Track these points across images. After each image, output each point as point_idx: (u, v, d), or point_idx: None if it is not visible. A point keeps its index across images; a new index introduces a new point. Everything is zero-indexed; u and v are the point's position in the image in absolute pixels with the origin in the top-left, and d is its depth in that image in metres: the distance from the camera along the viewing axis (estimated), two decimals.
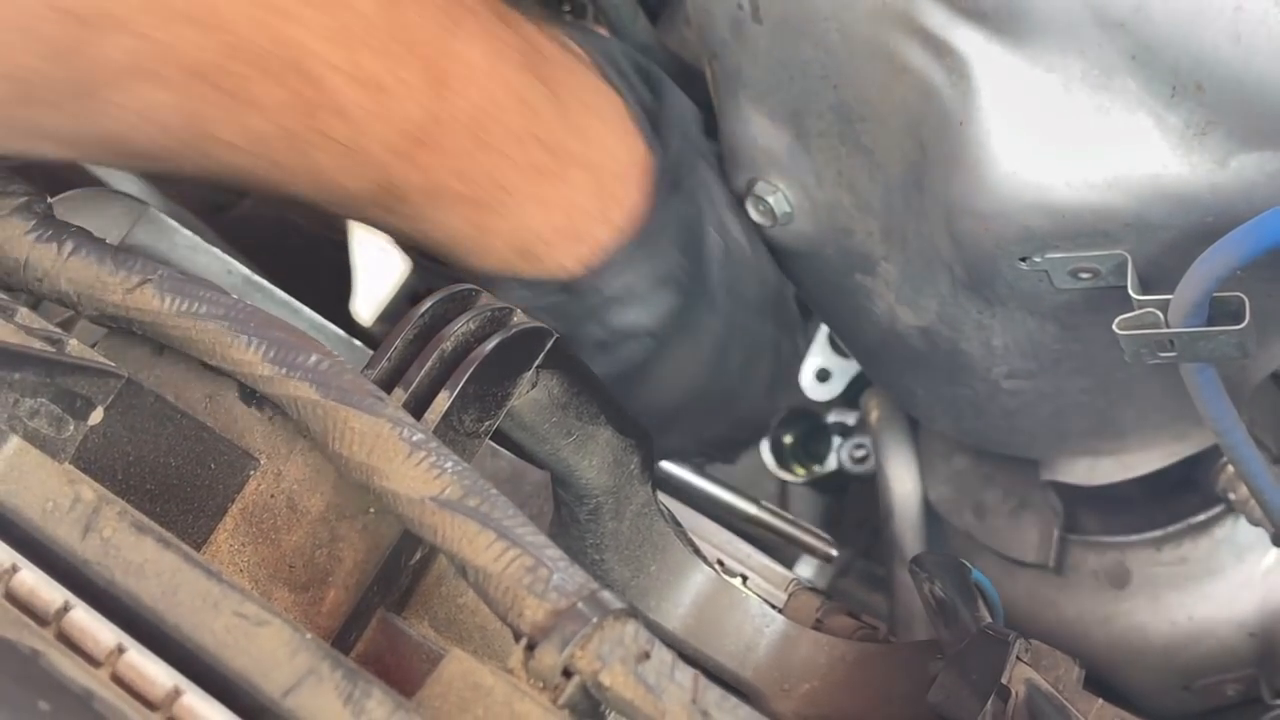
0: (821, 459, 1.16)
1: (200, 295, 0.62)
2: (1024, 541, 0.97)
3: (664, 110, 0.83)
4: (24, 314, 0.63)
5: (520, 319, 0.67)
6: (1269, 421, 0.91)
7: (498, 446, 0.77)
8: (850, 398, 1.15)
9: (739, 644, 0.76)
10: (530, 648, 0.54)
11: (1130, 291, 0.72)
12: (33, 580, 0.55)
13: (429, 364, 0.63)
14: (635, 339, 0.82)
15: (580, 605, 0.53)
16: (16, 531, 0.57)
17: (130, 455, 0.62)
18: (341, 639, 0.61)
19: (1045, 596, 0.99)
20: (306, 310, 0.80)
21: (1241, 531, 0.93)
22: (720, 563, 0.83)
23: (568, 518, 0.75)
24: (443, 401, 0.63)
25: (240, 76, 0.61)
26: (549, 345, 0.67)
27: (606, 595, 0.54)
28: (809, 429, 1.17)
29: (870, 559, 1.24)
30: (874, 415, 1.08)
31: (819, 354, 1.16)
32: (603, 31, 0.93)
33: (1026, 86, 0.71)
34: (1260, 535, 0.93)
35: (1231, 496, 0.90)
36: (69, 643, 0.54)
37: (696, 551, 0.79)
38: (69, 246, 0.64)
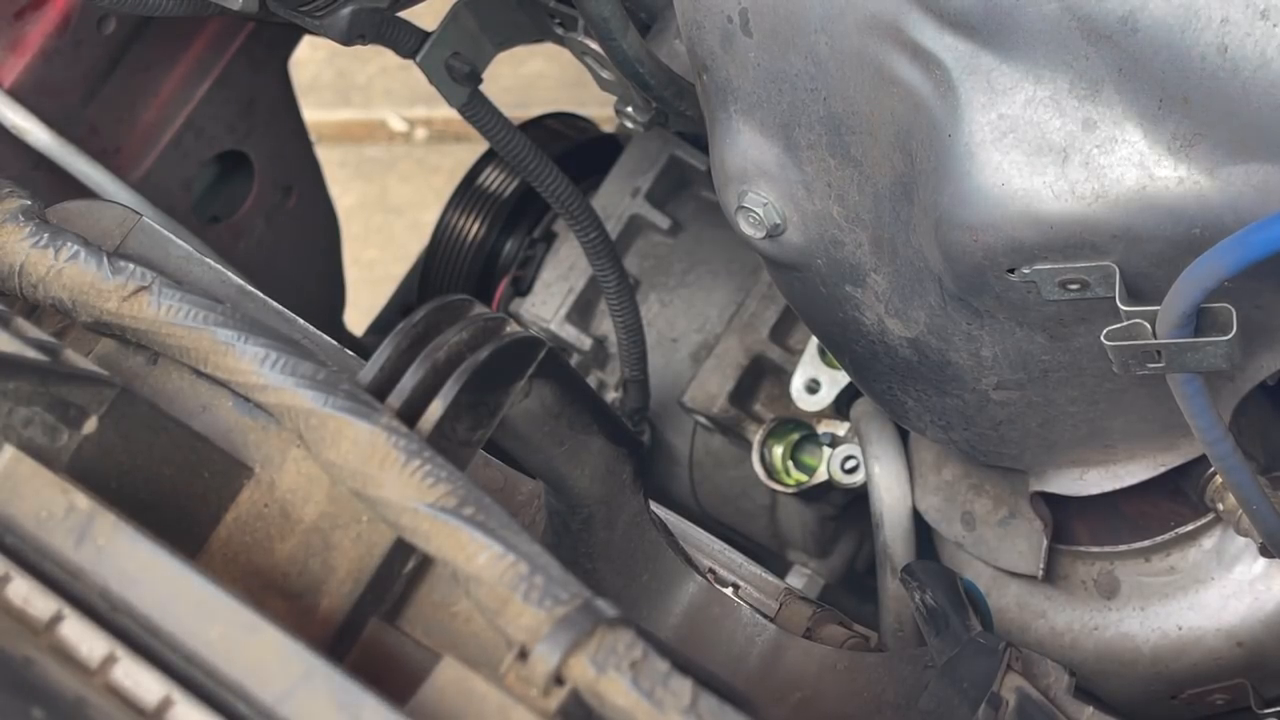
0: (811, 469, 1.16)
1: (195, 304, 0.62)
2: (1013, 552, 0.98)
3: None
4: (19, 323, 0.63)
5: (513, 329, 0.67)
6: (1256, 432, 0.92)
7: (490, 456, 0.77)
8: (840, 408, 1.15)
9: (730, 653, 0.76)
10: (523, 655, 0.54)
11: (1118, 303, 0.73)
12: (26, 589, 0.55)
13: (422, 373, 0.63)
14: None
15: (574, 613, 0.53)
16: (10, 540, 0.57)
17: (124, 464, 0.62)
18: (335, 647, 0.61)
19: (1034, 606, 0.99)
20: (299, 320, 0.80)
21: (1229, 541, 0.94)
22: (712, 572, 0.83)
23: (560, 527, 0.75)
24: (435, 410, 0.63)
25: None
26: (542, 355, 0.67)
27: (600, 603, 0.54)
28: (799, 440, 1.17)
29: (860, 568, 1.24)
30: (864, 426, 1.08)
31: (809, 365, 1.16)
32: (593, 44, 0.94)
33: (1014, 99, 0.72)
34: (1248, 545, 0.93)
35: (1219, 506, 0.90)
36: (62, 651, 0.54)
37: (688, 561, 0.79)
38: (65, 253, 0.64)
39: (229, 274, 0.78)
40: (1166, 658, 0.95)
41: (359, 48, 0.94)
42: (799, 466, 1.17)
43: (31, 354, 0.62)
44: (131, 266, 0.64)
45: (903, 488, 1.04)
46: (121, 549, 0.56)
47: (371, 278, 1.98)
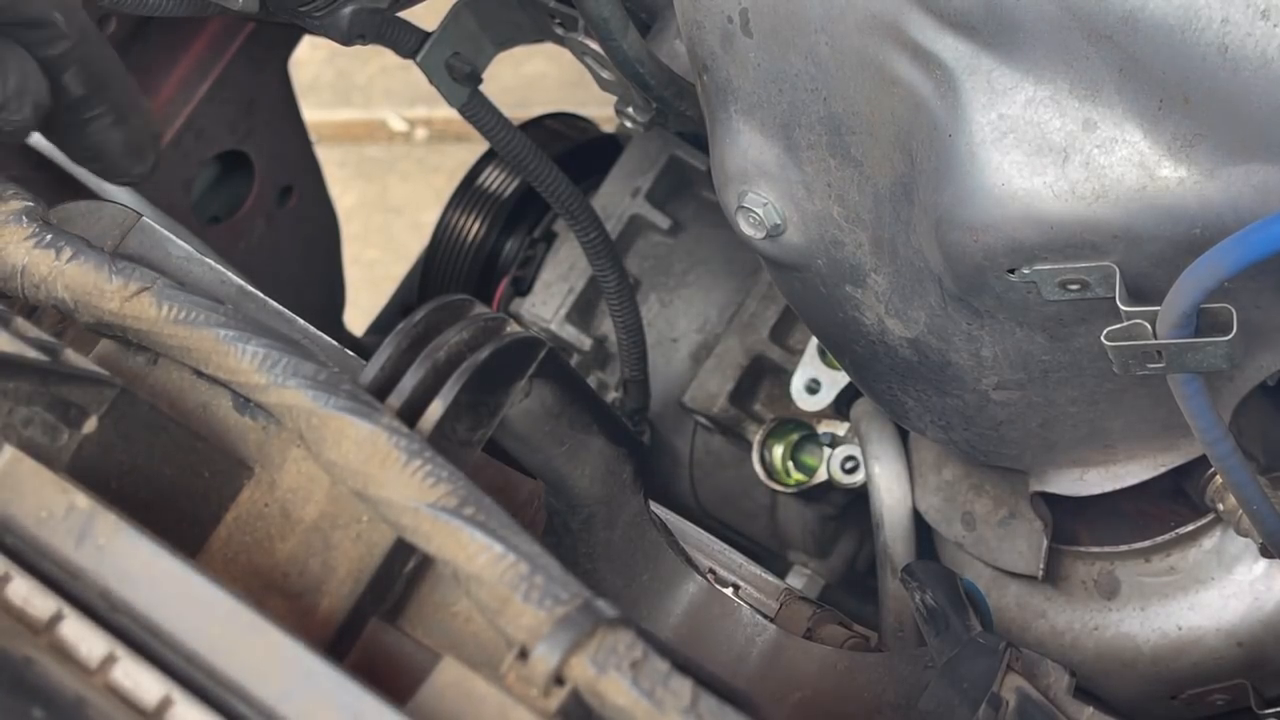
0: (811, 470, 1.16)
1: (195, 304, 0.62)
2: (1013, 552, 0.98)
3: None
4: (19, 323, 0.63)
5: (513, 329, 0.67)
6: (1256, 432, 0.92)
7: (490, 456, 0.77)
8: (840, 408, 1.15)
9: (730, 653, 0.76)
10: (523, 655, 0.54)
11: (1118, 303, 0.73)
12: (26, 589, 0.55)
13: (422, 373, 0.63)
14: None
15: (574, 613, 0.54)
16: (10, 540, 0.57)
17: (124, 464, 0.62)
18: (335, 647, 0.61)
19: (1035, 607, 0.99)
20: (300, 320, 0.80)
21: (1230, 542, 0.94)
22: (712, 572, 0.83)
23: (560, 527, 0.75)
24: (436, 410, 0.63)
25: None
26: (542, 355, 0.67)
27: (600, 603, 0.54)
28: (799, 440, 1.17)
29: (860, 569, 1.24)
30: (864, 426, 1.08)
31: (809, 365, 1.16)
32: (593, 44, 0.94)
33: (1014, 99, 0.72)
34: (1248, 545, 0.93)
35: (1219, 507, 0.90)
36: (62, 651, 0.54)
37: (688, 561, 0.79)
38: (66, 253, 0.64)
39: (229, 274, 0.78)
40: (1166, 658, 0.95)
41: (359, 48, 0.94)
42: (799, 466, 1.17)
43: (31, 354, 0.62)
44: (133, 267, 0.64)
45: (903, 488, 1.04)
46: (121, 549, 0.56)
47: (371, 278, 1.98)
